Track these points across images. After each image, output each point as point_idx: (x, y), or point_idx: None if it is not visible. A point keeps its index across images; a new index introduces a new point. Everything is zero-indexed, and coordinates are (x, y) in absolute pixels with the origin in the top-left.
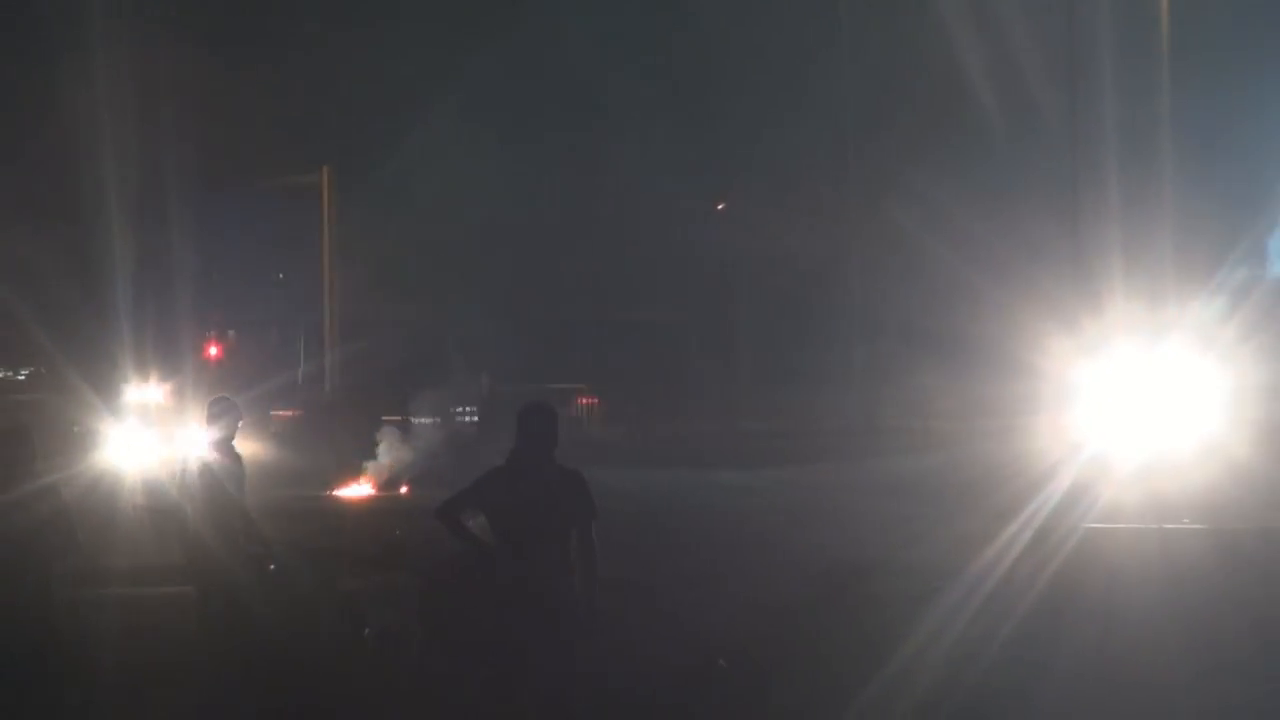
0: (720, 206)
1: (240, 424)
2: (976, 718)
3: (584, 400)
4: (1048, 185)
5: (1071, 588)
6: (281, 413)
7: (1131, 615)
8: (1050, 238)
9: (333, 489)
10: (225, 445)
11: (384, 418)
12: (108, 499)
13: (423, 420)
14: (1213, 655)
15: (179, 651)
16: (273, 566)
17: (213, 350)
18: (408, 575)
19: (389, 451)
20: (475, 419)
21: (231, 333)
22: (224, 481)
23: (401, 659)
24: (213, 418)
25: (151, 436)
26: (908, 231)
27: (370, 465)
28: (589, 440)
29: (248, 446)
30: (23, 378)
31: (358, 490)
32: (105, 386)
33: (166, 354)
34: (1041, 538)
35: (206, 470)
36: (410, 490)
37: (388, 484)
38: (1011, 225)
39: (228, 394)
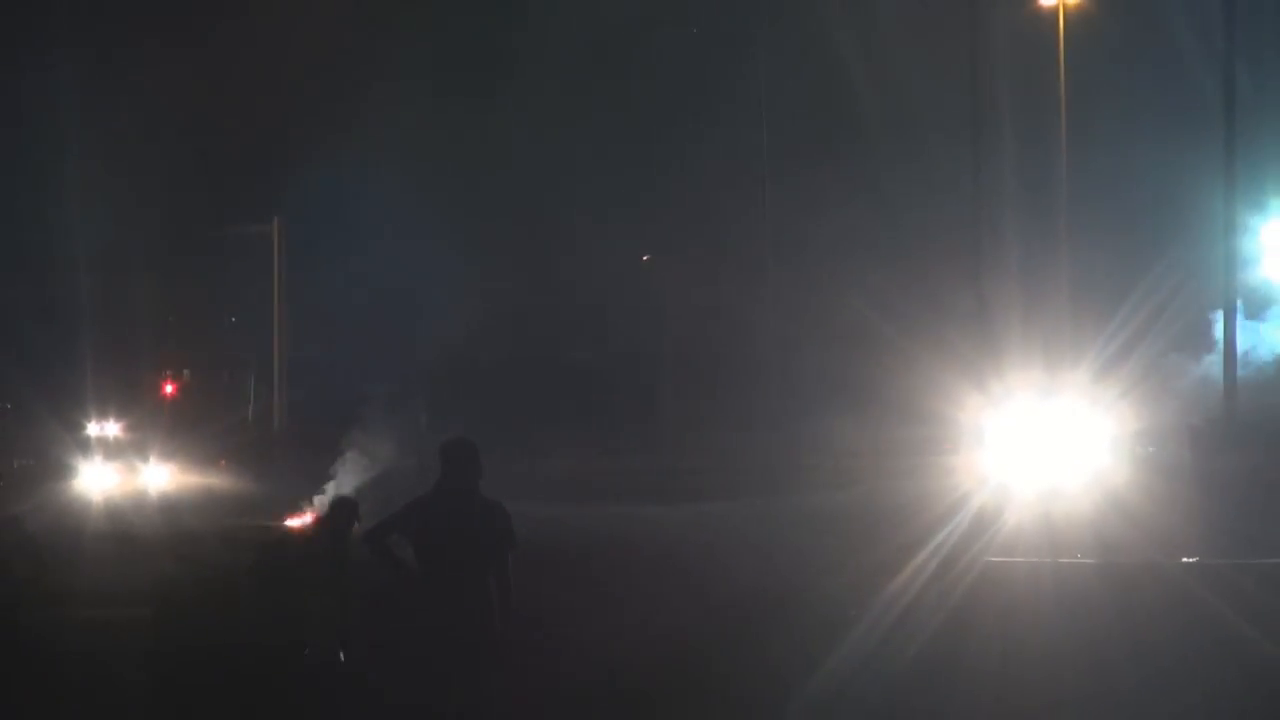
0: (645, 258)
1: None
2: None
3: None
4: (955, 249)
5: (973, 616)
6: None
7: (1028, 642)
8: (956, 296)
9: (280, 518)
10: None
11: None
12: (76, 525)
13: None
14: (1100, 680)
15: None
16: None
17: (168, 389)
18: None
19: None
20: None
21: (186, 372)
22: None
23: (334, 681)
24: None
25: (111, 468)
26: (822, 286)
27: (316, 498)
28: (518, 474)
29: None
30: None
31: (301, 520)
32: (70, 423)
33: (126, 393)
34: (946, 568)
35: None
36: (359, 526)
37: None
38: (920, 284)
39: None
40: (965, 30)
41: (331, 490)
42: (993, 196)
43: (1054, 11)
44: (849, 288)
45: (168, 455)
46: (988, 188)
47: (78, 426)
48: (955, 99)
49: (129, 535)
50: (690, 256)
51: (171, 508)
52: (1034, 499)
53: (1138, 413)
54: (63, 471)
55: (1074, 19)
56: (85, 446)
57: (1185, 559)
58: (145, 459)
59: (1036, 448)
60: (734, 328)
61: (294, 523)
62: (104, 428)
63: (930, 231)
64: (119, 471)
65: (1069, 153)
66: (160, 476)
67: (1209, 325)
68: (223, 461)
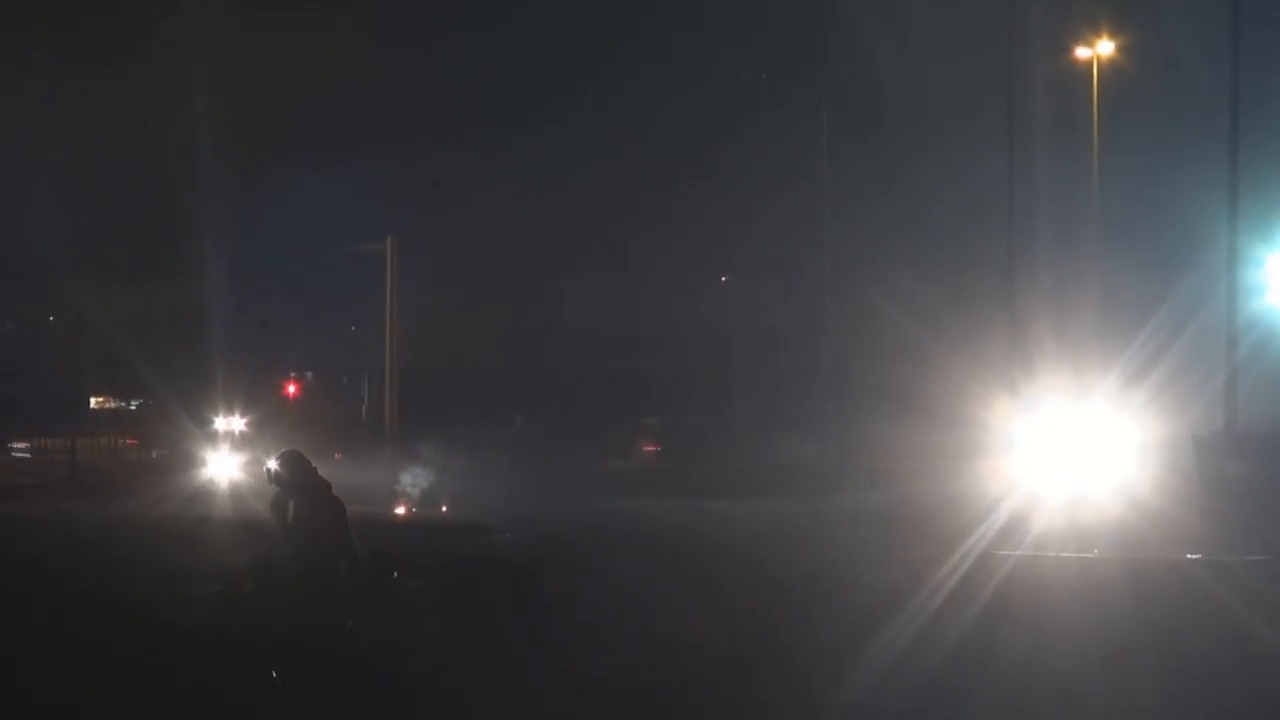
0: (724, 279)
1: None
2: (922, 711)
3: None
4: (992, 270)
5: (1006, 605)
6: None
7: (1055, 630)
8: (992, 313)
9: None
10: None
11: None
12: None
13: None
14: (1121, 664)
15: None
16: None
17: (291, 389)
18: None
19: (422, 478)
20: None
21: (309, 374)
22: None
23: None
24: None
25: (236, 460)
26: (871, 303)
27: (402, 490)
28: (604, 471)
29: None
30: (134, 408)
31: (400, 510)
32: (200, 418)
33: (253, 392)
34: (983, 562)
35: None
36: (447, 509)
37: (423, 504)
38: (960, 302)
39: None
40: (1004, 68)
41: (407, 479)
42: (1026, 219)
43: (1089, 62)
44: (894, 304)
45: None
46: (1022, 211)
47: (206, 421)
48: (992, 130)
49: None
50: (757, 279)
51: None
52: (1061, 502)
53: (1160, 421)
54: (193, 461)
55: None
56: (213, 439)
57: (1198, 556)
58: (268, 452)
59: (1064, 453)
60: (793, 342)
61: (399, 511)
62: (230, 423)
63: (968, 252)
64: (244, 462)
65: (1101, 179)
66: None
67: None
68: (338, 455)
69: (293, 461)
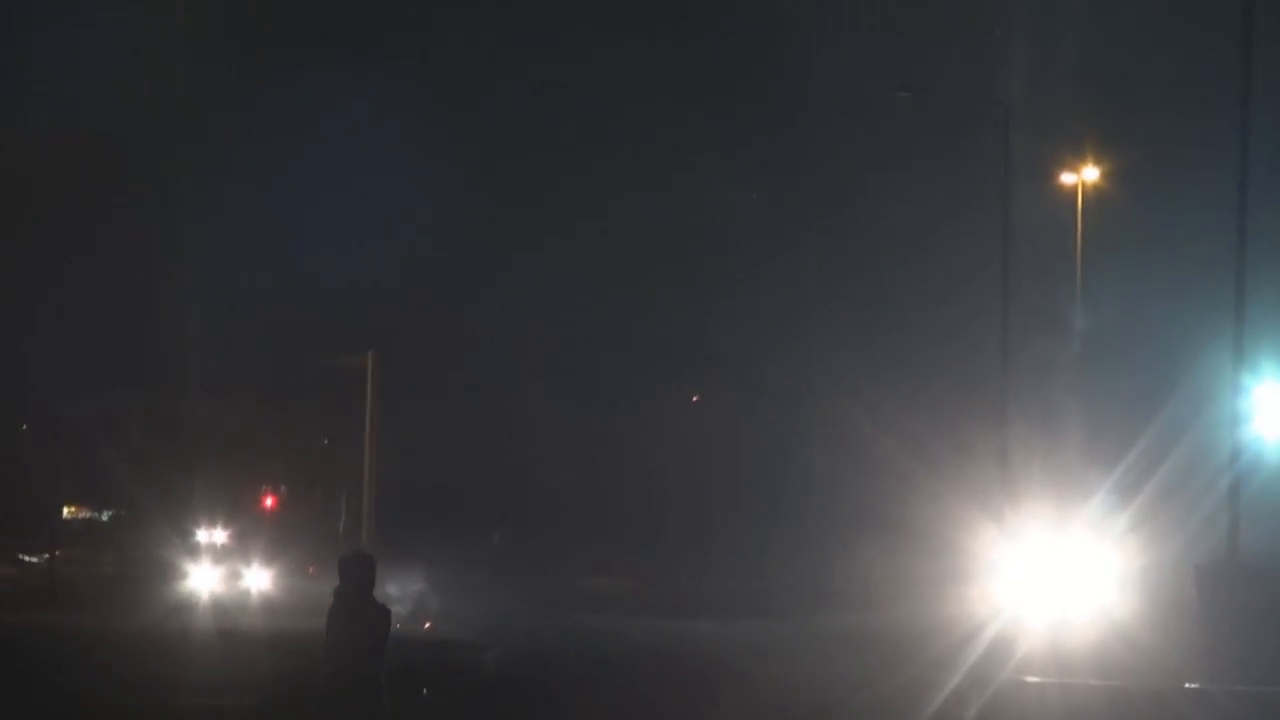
0: (695, 399)
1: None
2: None
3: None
4: (977, 396)
5: None
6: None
7: None
8: (978, 439)
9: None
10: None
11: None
12: (187, 622)
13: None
14: None
15: None
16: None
17: (268, 501)
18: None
19: (407, 594)
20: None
21: (283, 488)
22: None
23: None
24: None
25: (218, 572)
26: (857, 429)
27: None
28: (583, 590)
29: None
30: (105, 519)
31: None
32: (180, 529)
33: (231, 504)
34: (964, 689)
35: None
36: (432, 625)
37: (408, 621)
38: (946, 428)
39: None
40: (996, 199)
41: (393, 595)
42: (1015, 352)
43: (1075, 189)
44: (882, 431)
45: (268, 561)
46: (1013, 345)
47: (187, 533)
48: (984, 264)
49: (234, 632)
50: (736, 399)
51: (270, 609)
52: (1044, 628)
53: (1143, 549)
54: (172, 572)
55: (1096, 196)
56: (194, 551)
57: (1186, 685)
58: (248, 564)
59: (1047, 579)
60: (778, 464)
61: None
62: (212, 535)
63: (955, 379)
64: (224, 575)
65: (1087, 311)
66: (261, 580)
67: (1206, 470)
68: (311, 569)
69: (363, 567)
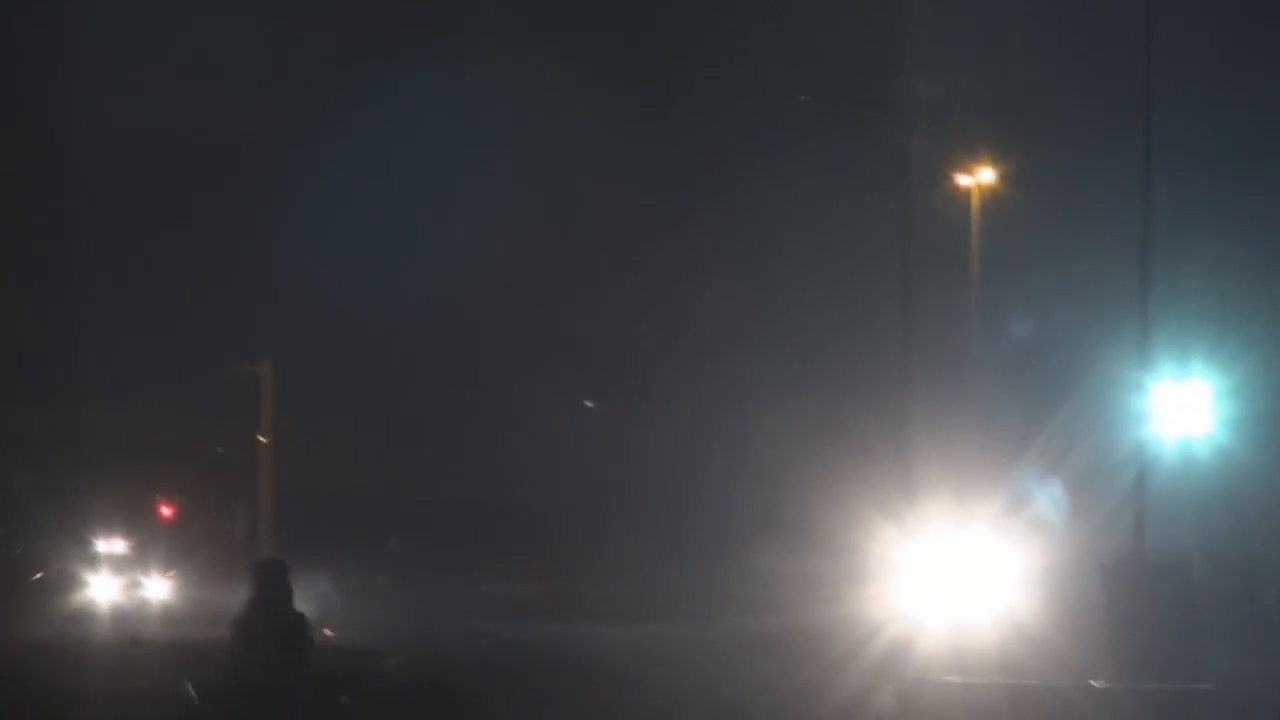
0: (588, 404)
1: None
2: None
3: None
4: (874, 396)
5: None
6: None
7: None
8: (875, 440)
9: None
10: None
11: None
12: (88, 631)
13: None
14: None
15: None
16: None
17: (165, 511)
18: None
19: (307, 601)
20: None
21: (180, 497)
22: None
23: None
24: None
25: (117, 582)
26: (752, 431)
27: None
28: (476, 596)
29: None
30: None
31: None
32: (79, 539)
33: (129, 514)
34: (868, 686)
35: None
36: (332, 633)
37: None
38: (842, 429)
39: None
40: (894, 200)
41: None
42: (914, 351)
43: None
44: (777, 431)
45: (167, 570)
46: (911, 344)
47: (86, 543)
48: (882, 266)
49: (139, 641)
50: (625, 401)
51: (171, 618)
52: (945, 628)
53: (1044, 549)
54: (73, 583)
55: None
56: (93, 561)
57: (1091, 682)
58: (148, 573)
59: (947, 578)
60: (671, 468)
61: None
62: (111, 544)
63: (853, 382)
64: (124, 584)
65: (982, 311)
66: (161, 589)
67: (1107, 469)
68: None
69: (273, 573)
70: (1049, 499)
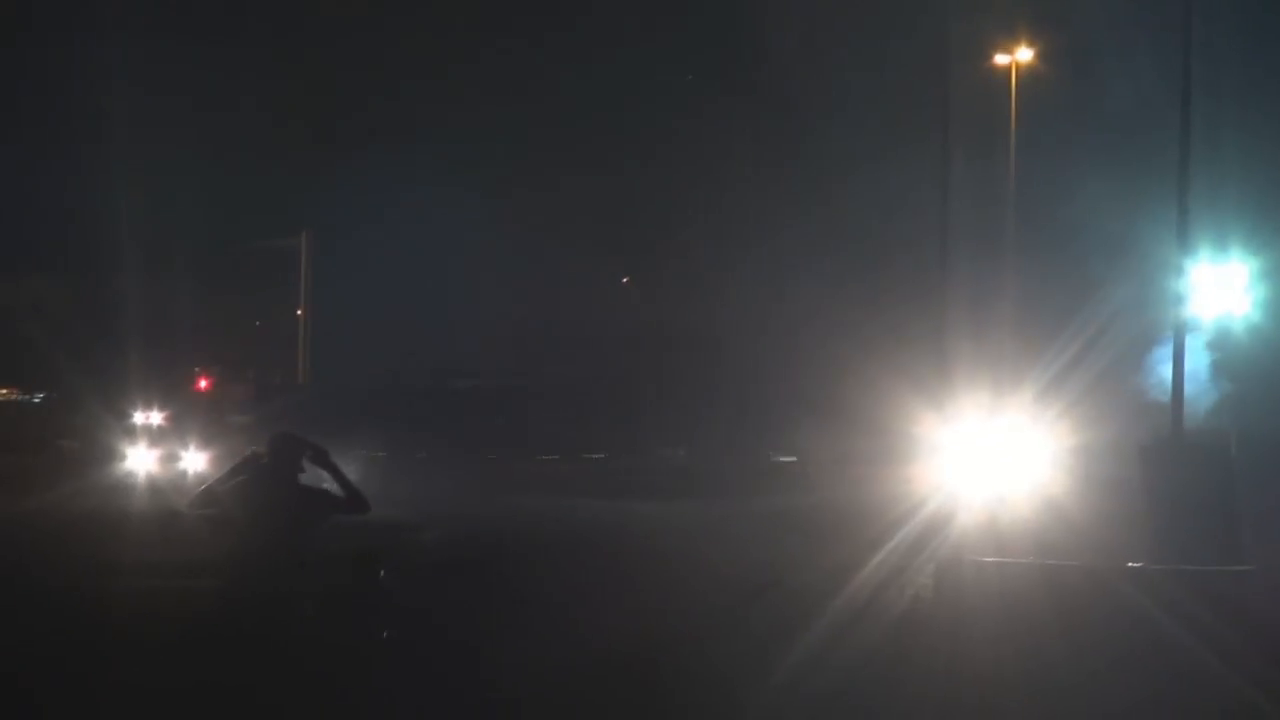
0: (626, 280)
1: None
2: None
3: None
4: (911, 280)
5: (927, 607)
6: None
7: (974, 632)
8: (913, 323)
9: None
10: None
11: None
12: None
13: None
14: (1039, 675)
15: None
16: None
17: (202, 384)
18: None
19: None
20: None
21: (216, 369)
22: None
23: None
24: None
25: (154, 454)
26: (792, 313)
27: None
28: (517, 471)
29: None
30: (38, 400)
31: None
32: (117, 411)
33: (166, 386)
34: (903, 566)
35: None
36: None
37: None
38: (877, 310)
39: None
40: (933, 81)
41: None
42: (952, 234)
43: (1010, 69)
44: (817, 314)
45: (205, 443)
46: (950, 227)
47: (124, 415)
48: (919, 141)
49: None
50: (663, 279)
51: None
52: (981, 504)
53: (1077, 429)
54: (110, 455)
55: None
56: (131, 433)
57: (1129, 564)
58: (186, 446)
59: (984, 460)
60: (704, 346)
61: None
62: (149, 417)
63: (887, 264)
64: (161, 456)
65: (1019, 194)
66: (198, 462)
67: (1145, 353)
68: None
69: (288, 444)
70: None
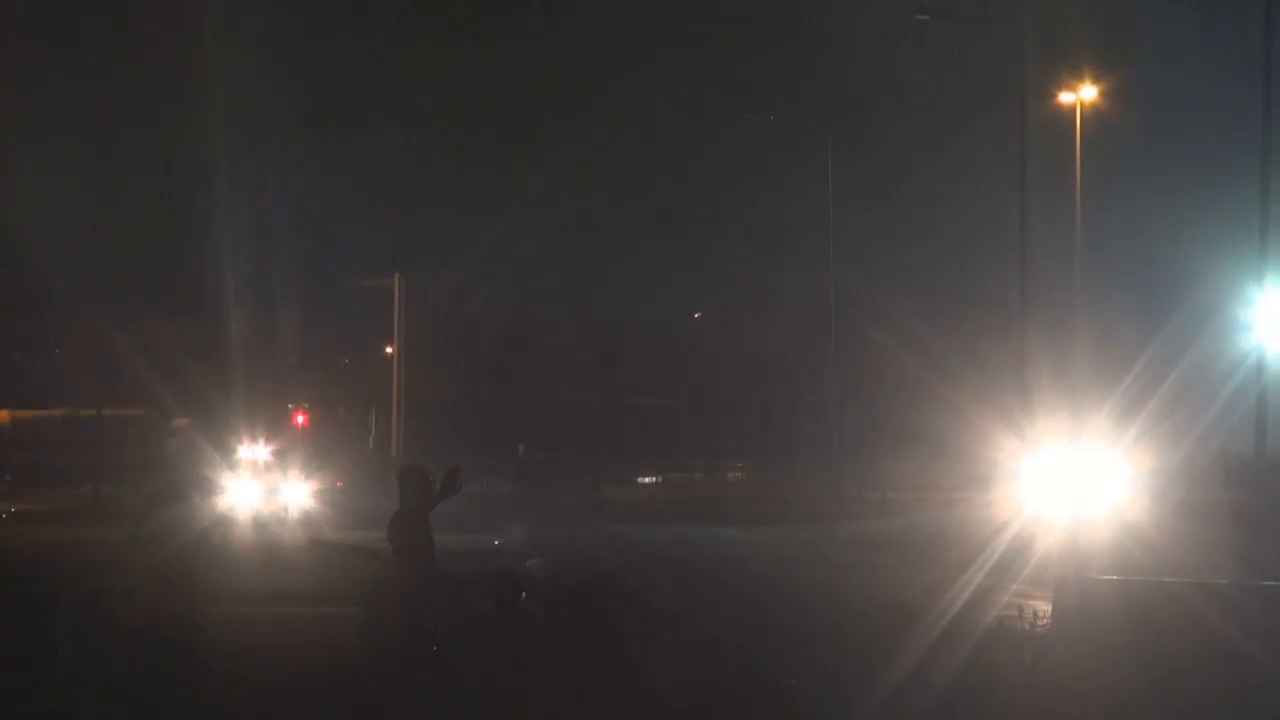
0: (697, 316)
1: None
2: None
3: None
4: (992, 311)
5: (1012, 623)
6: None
7: (1057, 648)
8: (993, 352)
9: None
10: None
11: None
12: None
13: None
14: (1118, 682)
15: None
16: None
17: (299, 419)
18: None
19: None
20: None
21: (307, 406)
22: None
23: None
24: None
25: (257, 487)
26: (877, 343)
27: None
28: (611, 499)
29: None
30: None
31: None
32: (221, 446)
33: (268, 422)
34: (990, 586)
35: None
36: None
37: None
38: (957, 339)
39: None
40: (1010, 116)
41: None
42: (1032, 267)
43: (1078, 106)
44: (902, 346)
45: (307, 477)
46: (1030, 259)
47: (229, 449)
48: (997, 177)
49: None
50: (751, 313)
51: (310, 522)
52: (1062, 527)
53: (1153, 454)
54: (213, 489)
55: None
56: (234, 467)
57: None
58: (287, 479)
59: (1064, 484)
60: (795, 378)
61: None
62: (254, 451)
63: (973, 299)
64: (265, 490)
65: (1086, 227)
66: (301, 495)
67: (1216, 379)
68: (339, 483)
69: (417, 476)
70: None
